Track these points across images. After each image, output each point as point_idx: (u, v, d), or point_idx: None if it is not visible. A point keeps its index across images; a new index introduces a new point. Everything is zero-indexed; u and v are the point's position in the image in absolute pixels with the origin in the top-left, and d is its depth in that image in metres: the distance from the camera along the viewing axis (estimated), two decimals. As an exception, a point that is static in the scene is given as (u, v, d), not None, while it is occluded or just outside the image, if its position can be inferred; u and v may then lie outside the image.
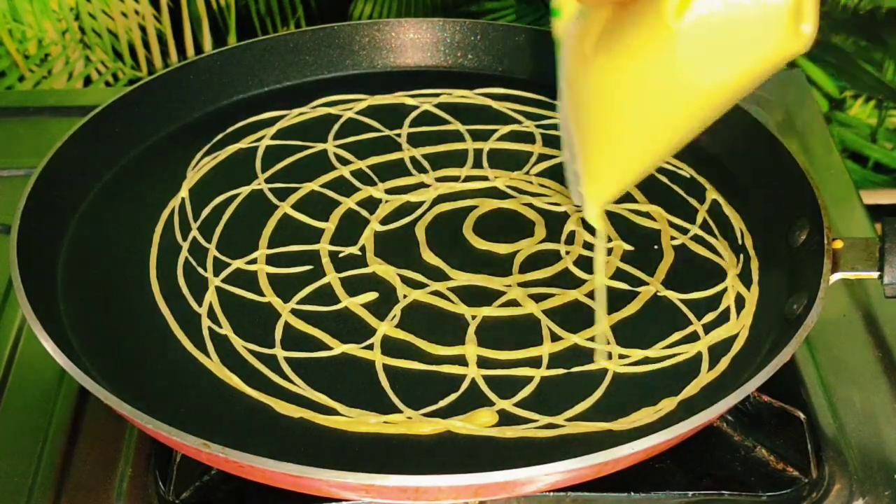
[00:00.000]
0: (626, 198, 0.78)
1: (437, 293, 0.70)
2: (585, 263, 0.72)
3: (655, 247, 0.74)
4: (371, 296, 0.70)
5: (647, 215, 0.77)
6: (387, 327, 0.68)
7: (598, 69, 0.53)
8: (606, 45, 0.52)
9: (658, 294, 0.71)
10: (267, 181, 0.80)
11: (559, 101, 0.59)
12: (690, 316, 0.69)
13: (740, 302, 0.70)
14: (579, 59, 0.54)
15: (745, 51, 0.49)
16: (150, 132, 0.83)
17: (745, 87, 0.51)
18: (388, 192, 0.79)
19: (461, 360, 0.66)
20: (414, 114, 0.87)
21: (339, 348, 0.66)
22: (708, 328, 0.68)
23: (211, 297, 0.70)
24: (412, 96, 0.89)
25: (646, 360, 0.66)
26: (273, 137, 0.84)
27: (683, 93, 0.50)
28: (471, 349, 0.66)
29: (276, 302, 0.70)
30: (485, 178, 0.80)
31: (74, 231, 0.75)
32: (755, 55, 0.49)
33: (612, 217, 0.76)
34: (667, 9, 0.47)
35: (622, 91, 0.52)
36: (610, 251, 0.73)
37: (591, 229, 0.75)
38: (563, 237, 0.75)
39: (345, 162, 0.82)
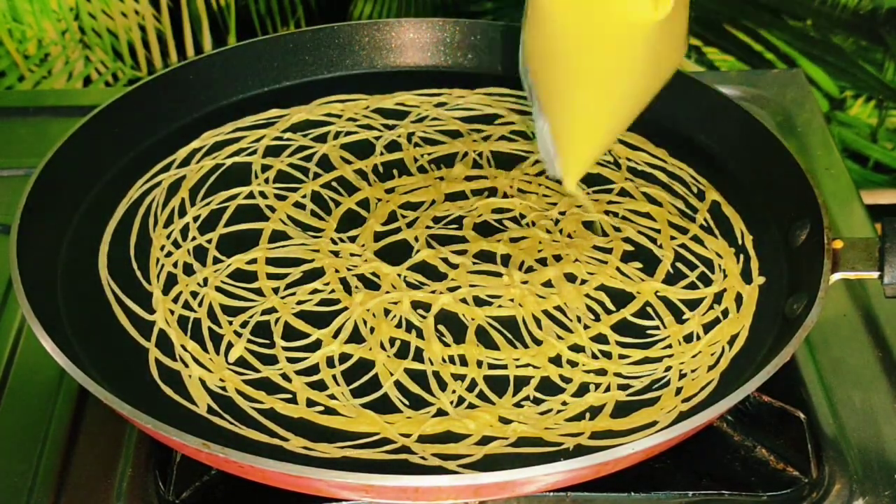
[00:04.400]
0: (627, 198, 0.78)
1: (436, 293, 0.70)
2: (587, 263, 0.72)
3: (655, 247, 0.74)
4: (371, 295, 0.70)
5: (648, 215, 0.77)
6: (387, 327, 0.68)
7: (556, 18, 0.56)
8: None
9: (658, 294, 0.71)
10: (267, 181, 0.80)
11: (523, 71, 0.62)
12: (690, 316, 0.69)
13: (740, 301, 0.70)
14: (540, 15, 0.57)
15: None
16: (150, 132, 0.83)
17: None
18: (388, 192, 0.79)
19: (461, 361, 0.66)
20: (414, 114, 0.87)
21: (339, 348, 0.66)
22: (708, 328, 0.68)
23: (211, 296, 0.70)
24: (412, 96, 0.89)
25: (646, 360, 0.66)
26: (273, 138, 0.84)
27: (633, 33, 0.55)
28: (471, 349, 0.66)
29: (277, 302, 0.70)
30: (484, 178, 0.80)
31: (74, 231, 0.75)
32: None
33: (613, 217, 0.76)
34: None
35: (580, 38, 0.56)
36: (610, 251, 0.74)
37: (592, 229, 0.75)
38: (564, 237, 0.75)
39: (345, 162, 0.82)
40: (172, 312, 0.69)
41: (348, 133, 0.85)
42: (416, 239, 0.75)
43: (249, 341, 0.67)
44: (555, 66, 0.58)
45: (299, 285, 0.71)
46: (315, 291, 0.71)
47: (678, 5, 0.56)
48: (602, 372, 0.65)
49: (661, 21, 0.55)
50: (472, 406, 0.63)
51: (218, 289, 0.71)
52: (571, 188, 0.63)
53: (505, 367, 0.66)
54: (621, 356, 0.66)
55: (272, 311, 0.69)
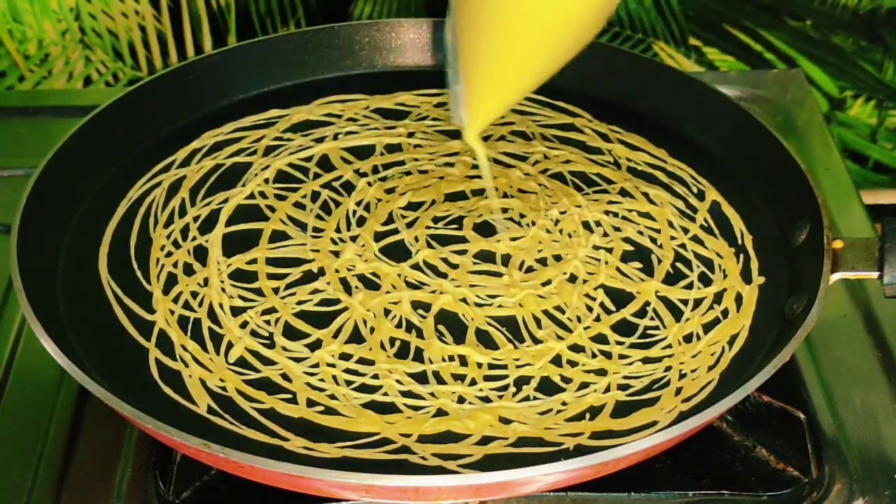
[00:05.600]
0: (627, 198, 0.78)
1: (436, 293, 0.70)
2: (587, 263, 0.72)
3: (655, 247, 0.74)
4: (371, 295, 0.70)
5: (648, 215, 0.77)
6: (387, 327, 0.68)
7: None
8: None
9: (658, 294, 0.71)
10: (267, 181, 0.80)
11: (448, 19, 0.61)
12: (690, 316, 0.69)
13: (740, 301, 0.70)
14: None
15: None
16: (150, 132, 0.83)
17: (588, 15, 0.57)
18: (388, 192, 0.79)
19: (461, 360, 0.66)
20: (414, 114, 0.87)
21: (339, 348, 0.66)
22: (707, 328, 0.68)
23: (211, 297, 0.70)
24: (412, 96, 0.89)
25: (646, 360, 0.66)
26: (273, 138, 0.84)
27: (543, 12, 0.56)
28: (471, 349, 0.66)
29: (277, 302, 0.70)
30: (485, 178, 0.80)
31: (74, 231, 0.75)
32: None
33: (613, 217, 0.76)
34: None
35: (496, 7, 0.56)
36: (609, 251, 0.74)
37: (591, 229, 0.75)
38: (564, 237, 0.75)
39: (345, 162, 0.82)
40: (172, 312, 0.69)
41: (348, 133, 0.85)
42: (416, 239, 0.75)
43: (249, 341, 0.67)
44: (483, 24, 0.59)
45: (299, 285, 0.71)
46: (315, 291, 0.71)
47: None
48: (602, 372, 0.65)
49: None
50: (472, 406, 0.63)
51: (218, 288, 0.71)
52: (470, 139, 0.65)
53: (505, 367, 0.66)
54: (621, 356, 0.66)
55: (272, 311, 0.69)
